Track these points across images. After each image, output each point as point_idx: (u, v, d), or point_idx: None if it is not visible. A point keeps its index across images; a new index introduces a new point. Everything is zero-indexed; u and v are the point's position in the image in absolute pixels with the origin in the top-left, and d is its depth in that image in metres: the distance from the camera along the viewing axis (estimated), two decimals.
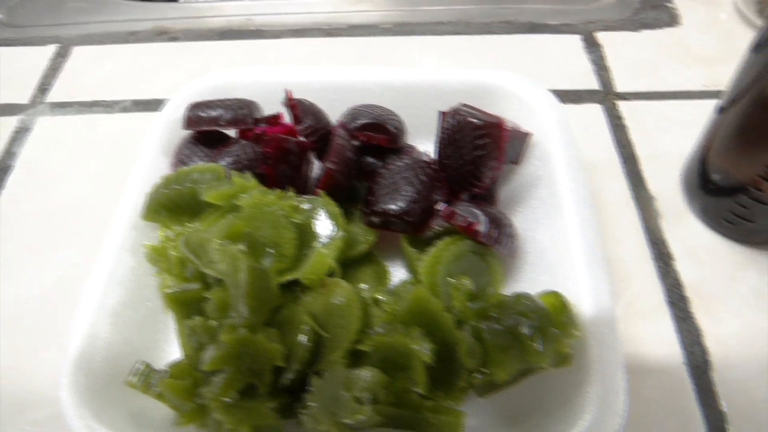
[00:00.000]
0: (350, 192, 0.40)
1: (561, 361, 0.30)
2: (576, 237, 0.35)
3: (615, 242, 0.41)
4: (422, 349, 0.29)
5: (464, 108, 0.39)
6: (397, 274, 0.39)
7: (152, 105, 0.52)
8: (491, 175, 0.38)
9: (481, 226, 0.35)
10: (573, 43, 0.54)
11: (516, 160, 0.42)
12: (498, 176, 0.39)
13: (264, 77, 0.44)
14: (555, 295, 0.32)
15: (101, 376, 0.32)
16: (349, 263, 0.36)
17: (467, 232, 0.35)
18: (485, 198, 0.40)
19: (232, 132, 0.42)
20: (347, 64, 0.53)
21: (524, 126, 0.41)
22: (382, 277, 0.38)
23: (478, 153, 0.37)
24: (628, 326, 0.38)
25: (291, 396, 0.31)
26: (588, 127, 0.48)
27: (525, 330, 0.30)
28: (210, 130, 0.41)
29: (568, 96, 0.50)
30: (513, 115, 0.42)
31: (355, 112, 0.42)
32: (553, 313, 0.31)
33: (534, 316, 0.30)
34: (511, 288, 0.37)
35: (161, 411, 0.31)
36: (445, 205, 0.36)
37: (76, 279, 0.40)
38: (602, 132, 0.47)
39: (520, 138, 0.41)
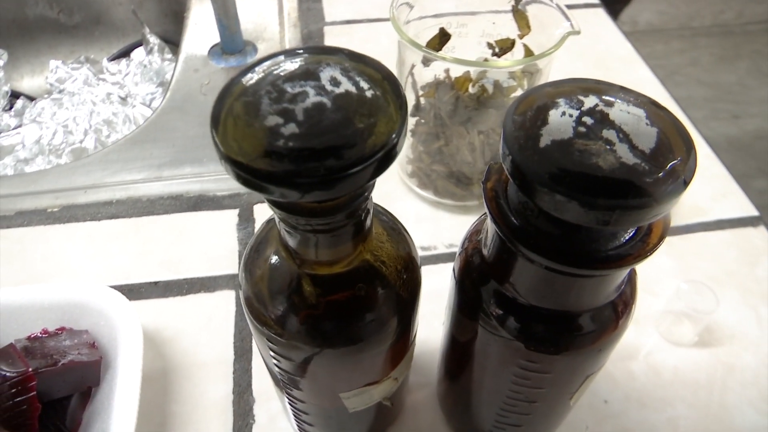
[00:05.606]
0: None
1: None
2: None
3: None
4: None
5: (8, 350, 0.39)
6: None
7: None
8: (32, 418, 0.38)
9: None
10: (230, 218, 0.55)
11: (96, 383, 0.42)
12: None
13: None
14: None
15: None
16: None
17: None
18: (60, 429, 0.40)
19: None
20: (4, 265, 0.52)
21: (106, 336, 0.43)
22: None
23: (16, 400, 0.38)
24: None
25: None
26: (213, 319, 0.48)
27: None
28: None
29: (204, 284, 0.50)
30: (97, 328, 0.43)
31: None
32: None
33: None
34: None
35: None
36: None
37: None
38: (227, 322, 0.48)
39: (94, 365, 0.41)
